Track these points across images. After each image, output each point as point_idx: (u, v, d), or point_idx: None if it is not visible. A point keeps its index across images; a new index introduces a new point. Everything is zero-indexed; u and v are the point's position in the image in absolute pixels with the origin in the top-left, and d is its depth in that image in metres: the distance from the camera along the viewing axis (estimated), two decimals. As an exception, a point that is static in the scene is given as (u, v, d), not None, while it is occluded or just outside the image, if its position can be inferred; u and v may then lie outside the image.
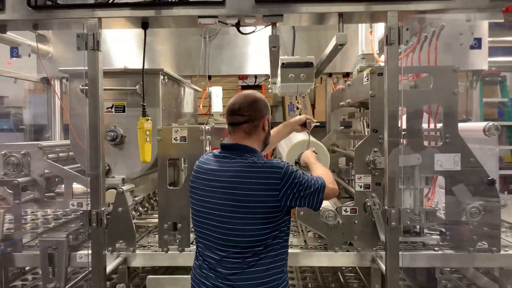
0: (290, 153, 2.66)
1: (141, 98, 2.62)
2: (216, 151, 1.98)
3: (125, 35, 4.27)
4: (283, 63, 2.99)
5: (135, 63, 4.20)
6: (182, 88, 3.48)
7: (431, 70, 2.53)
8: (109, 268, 2.41)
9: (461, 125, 2.52)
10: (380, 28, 3.20)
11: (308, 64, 3.00)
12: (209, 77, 4.36)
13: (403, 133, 2.43)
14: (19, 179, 2.61)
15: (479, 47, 2.56)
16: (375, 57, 3.11)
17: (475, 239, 2.51)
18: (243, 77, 4.62)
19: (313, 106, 6.25)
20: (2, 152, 2.72)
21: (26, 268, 3.17)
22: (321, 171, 2.18)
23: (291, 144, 2.68)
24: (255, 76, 4.72)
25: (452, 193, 2.52)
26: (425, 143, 2.59)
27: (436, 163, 2.50)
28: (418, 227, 2.68)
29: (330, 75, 4.44)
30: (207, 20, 2.19)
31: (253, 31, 2.29)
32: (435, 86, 2.50)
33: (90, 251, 2.25)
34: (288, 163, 1.91)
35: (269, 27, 2.26)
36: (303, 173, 1.93)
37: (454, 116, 2.51)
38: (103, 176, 2.25)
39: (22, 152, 2.72)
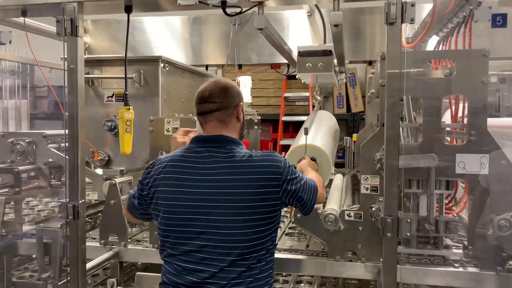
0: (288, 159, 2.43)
1: (141, 87, 2.52)
2: (189, 146, 1.77)
3: (164, 27, 4.28)
4: (299, 52, 2.76)
5: (175, 53, 4.20)
6: (199, 78, 3.33)
7: (453, 54, 2.14)
8: (93, 262, 2.34)
9: (490, 121, 2.11)
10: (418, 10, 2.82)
11: (326, 52, 2.73)
12: (240, 66, 4.19)
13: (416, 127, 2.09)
14: (20, 167, 2.63)
15: (504, 24, 2.10)
16: (402, 41, 2.74)
17: (504, 257, 2.09)
18: (276, 66, 4.38)
19: (363, 97, 5.85)
20: (9, 140, 2.75)
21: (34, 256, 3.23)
22: (312, 175, 2.00)
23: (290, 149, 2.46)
24: (288, 65, 4.46)
25: (477, 201, 2.12)
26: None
27: (458, 164, 2.12)
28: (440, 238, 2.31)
29: (370, 63, 4.07)
30: (187, 1, 2.01)
31: (240, 12, 2.06)
32: (459, 73, 2.11)
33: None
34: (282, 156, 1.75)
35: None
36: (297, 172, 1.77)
37: (482, 109, 2.10)
38: (82, 168, 2.16)
39: (27, 140, 2.74)
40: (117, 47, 4.37)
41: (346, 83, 5.69)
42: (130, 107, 2.24)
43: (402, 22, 1.82)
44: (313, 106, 5.52)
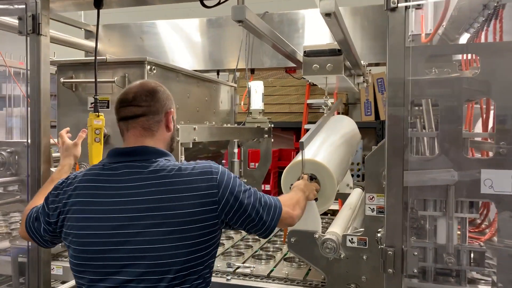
0: (286, 178, 2.11)
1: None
2: (105, 161, 1.48)
3: (177, 31, 4.07)
4: (305, 51, 2.47)
5: (189, 58, 4.00)
6: (198, 83, 3.06)
7: (475, 48, 1.76)
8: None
9: (525, 129, 1.71)
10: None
11: (335, 52, 2.42)
12: (252, 71, 3.90)
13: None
14: (-3, 179, 2.44)
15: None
16: (421, 37, 2.36)
17: (544, 298, 1.68)
18: (290, 70, 4.05)
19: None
20: (-9, 150, 2.58)
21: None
22: (297, 197, 1.75)
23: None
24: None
25: (507, 227, 1.72)
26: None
27: (483, 182, 1.72)
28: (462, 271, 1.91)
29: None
30: (156, -8, 1.74)
31: (219, 3, 1.77)
32: (484, 71, 1.72)
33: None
34: (222, 166, 1.43)
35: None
36: (248, 185, 1.48)
37: (514, 115, 1.70)
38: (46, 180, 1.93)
39: (8, 150, 2.55)
40: (128, 53, 4.20)
41: (374, 88, 5.30)
42: (101, 114, 1.99)
43: (406, 7, 1.47)
44: (338, 113, 5.16)
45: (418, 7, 1.51)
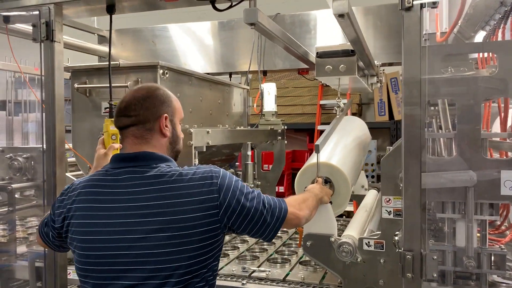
0: (299, 180, 2.09)
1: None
2: (108, 167, 1.48)
3: (189, 34, 4.08)
4: (317, 53, 2.45)
5: (199, 62, 4.00)
6: (211, 86, 3.05)
7: (493, 46, 1.72)
8: None
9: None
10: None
11: (348, 52, 2.40)
12: (265, 72, 3.89)
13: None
14: (13, 185, 2.46)
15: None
16: (436, 35, 2.33)
17: None
18: (303, 71, 4.02)
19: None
20: (8, 156, 2.61)
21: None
22: (309, 202, 1.71)
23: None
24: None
25: (530, 230, 1.68)
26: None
27: (503, 184, 1.69)
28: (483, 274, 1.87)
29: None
30: (168, -4, 1.74)
31: (231, 6, 1.76)
32: (503, 70, 1.68)
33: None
34: (224, 170, 1.42)
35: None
36: (252, 188, 1.46)
37: (535, 114, 1.67)
38: (62, 187, 1.94)
39: (24, 155, 2.58)
40: (140, 57, 4.22)
41: (388, 88, 5.24)
42: (116, 119, 2.00)
43: (421, 6, 1.44)
44: (352, 113, 5.12)
45: (434, 6, 1.47)
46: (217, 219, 1.37)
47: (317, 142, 2.01)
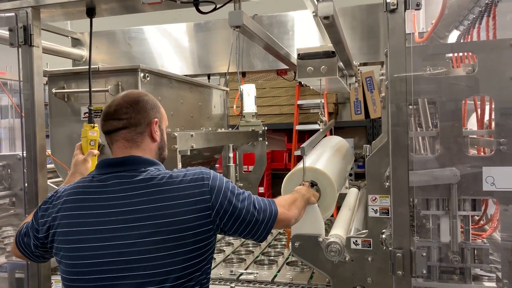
0: (286, 185, 2.10)
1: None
2: (94, 173, 1.45)
3: (166, 36, 4.05)
4: (298, 54, 2.46)
5: (179, 63, 3.97)
6: (191, 88, 3.03)
7: (473, 47, 1.77)
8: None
9: (524, 125, 1.72)
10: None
11: (329, 54, 2.42)
12: (244, 74, 3.89)
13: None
14: (-11, 194, 2.38)
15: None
16: (415, 36, 2.37)
17: (549, 293, 1.69)
18: (282, 72, 4.05)
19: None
20: (-16, 164, 2.52)
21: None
22: (297, 204, 1.72)
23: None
24: (295, 72, 4.11)
25: (511, 224, 1.73)
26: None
27: (485, 180, 1.73)
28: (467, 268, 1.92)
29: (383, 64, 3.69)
30: (151, -1, 1.72)
31: (215, 9, 1.75)
32: (482, 69, 1.73)
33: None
34: (214, 171, 1.41)
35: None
36: (241, 189, 1.46)
37: (513, 112, 1.72)
38: (44, 195, 1.89)
39: (1, 163, 2.50)
40: (116, 59, 4.15)
41: (363, 87, 5.32)
42: (95, 125, 1.96)
43: (405, 8, 1.47)
44: (329, 113, 5.17)
45: (417, 8, 1.50)
46: (209, 220, 1.36)
47: (303, 145, 2.03)
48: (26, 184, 1.85)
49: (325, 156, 2.39)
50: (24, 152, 1.87)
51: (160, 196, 1.33)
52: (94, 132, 1.93)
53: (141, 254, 1.29)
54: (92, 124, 1.95)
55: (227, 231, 1.44)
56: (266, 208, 1.49)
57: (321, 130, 2.73)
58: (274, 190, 5.45)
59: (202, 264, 1.38)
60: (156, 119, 1.47)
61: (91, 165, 1.86)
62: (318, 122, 2.86)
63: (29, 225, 1.51)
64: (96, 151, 1.89)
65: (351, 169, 5.21)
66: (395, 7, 1.47)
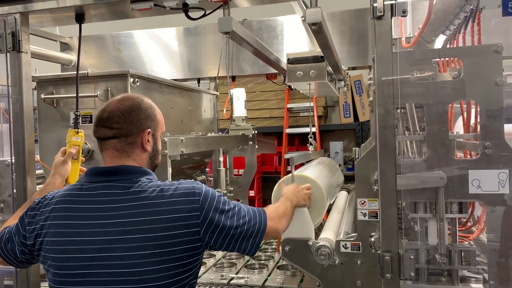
0: (277, 194, 2.12)
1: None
2: (83, 181, 1.44)
3: (155, 40, 4.04)
4: (288, 59, 2.50)
5: (169, 67, 3.97)
6: (181, 93, 3.04)
7: (458, 52, 1.80)
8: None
9: (509, 128, 1.76)
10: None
11: (318, 59, 2.45)
12: (233, 78, 3.90)
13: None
14: (-24, 201, 2.36)
15: (517, 11, 1.76)
16: (402, 41, 2.41)
17: (534, 293, 1.72)
18: (272, 76, 4.07)
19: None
20: (-30, 170, 2.49)
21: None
22: (284, 206, 1.73)
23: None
24: (284, 76, 4.14)
25: (504, 225, 1.76)
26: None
27: (471, 183, 1.77)
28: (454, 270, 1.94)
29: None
30: (140, 5, 1.72)
31: (204, 15, 1.76)
32: (467, 74, 1.76)
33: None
34: (206, 185, 1.40)
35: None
36: (233, 202, 1.44)
37: (498, 116, 1.75)
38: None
39: (-12, 169, 2.47)
40: (105, 64, 4.14)
41: (352, 91, 5.36)
42: (80, 131, 1.95)
43: (392, 15, 1.49)
44: (318, 116, 5.20)
45: (403, 14, 1.53)
46: (198, 237, 1.35)
47: (292, 155, 2.06)
48: (14, 190, 1.84)
49: (316, 169, 2.42)
50: (13, 157, 1.85)
51: (149, 209, 1.33)
52: (78, 138, 1.92)
53: (128, 267, 1.29)
54: (77, 130, 1.94)
55: (217, 248, 1.43)
56: (256, 222, 1.48)
57: (310, 152, 2.80)
58: (265, 194, 5.46)
59: (189, 279, 1.38)
60: (149, 130, 1.46)
61: (72, 167, 1.85)
62: (308, 144, 2.92)
63: (13, 231, 1.48)
64: (74, 151, 1.87)
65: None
66: (381, 14, 1.49)
